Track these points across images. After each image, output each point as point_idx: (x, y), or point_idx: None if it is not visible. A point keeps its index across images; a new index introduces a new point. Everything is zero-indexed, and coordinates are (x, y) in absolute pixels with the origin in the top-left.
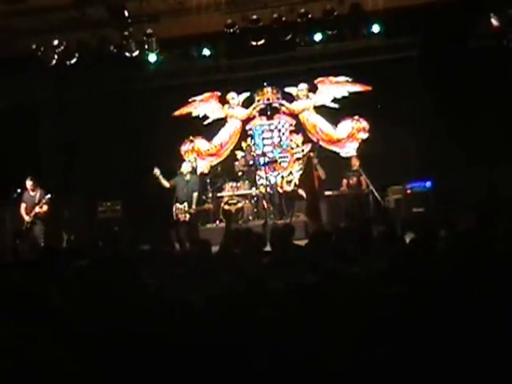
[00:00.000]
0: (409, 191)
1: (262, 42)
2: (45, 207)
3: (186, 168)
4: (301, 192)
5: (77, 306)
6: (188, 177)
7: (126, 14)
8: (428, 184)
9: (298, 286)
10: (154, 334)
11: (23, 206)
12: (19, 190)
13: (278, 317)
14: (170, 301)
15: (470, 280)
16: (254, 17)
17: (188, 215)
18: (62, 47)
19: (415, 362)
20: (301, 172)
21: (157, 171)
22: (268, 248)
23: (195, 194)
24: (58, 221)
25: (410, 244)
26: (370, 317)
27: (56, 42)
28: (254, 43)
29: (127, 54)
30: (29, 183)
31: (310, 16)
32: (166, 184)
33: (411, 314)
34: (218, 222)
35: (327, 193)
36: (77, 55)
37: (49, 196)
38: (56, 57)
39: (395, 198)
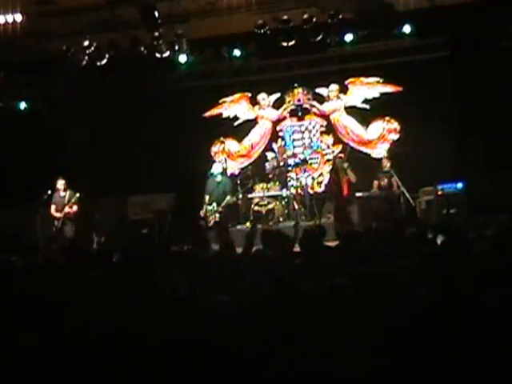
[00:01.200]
0: (440, 192)
1: (293, 42)
2: (75, 207)
3: (216, 169)
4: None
5: (105, 310)
6: (219, 178)
7: (157, 14)
8: (459, 185)
9: (328, 288)
10: (183, 337)
11: (53, 207)
12: (49, 192)
13: (308, 319)
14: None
15: (502, 285)
16: (285, 17)
17: (218, 215)
18: (93, 48)
19: (441, 369)
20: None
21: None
22: (297, 249)
23: (228, 197)
24: (88, 222)
25: (442, 246)
26: (399, 321)
27: (87, 43)
28: (284, 44)
29: (158, 54)
30: (60, 182)
31: (340, 16)
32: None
33: (441, 320)
34: (248, 223)
35: (358, 194)
36: (107, 56)
37: (78, 195)
38: (86, 58)
39: (426, 199)
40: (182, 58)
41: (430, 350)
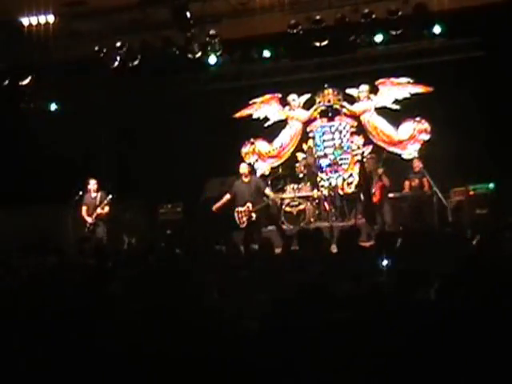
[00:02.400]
0: (471, 193)
1: (326, 42)
2: (106, 208)
3: (243, 170)
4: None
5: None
6: (247, 178)
7: (189, 15)
8: (491, 185)
9: (365, 287)
10: (220, 337)
11: (84, 208)
12: (81, 193)
13: (347, 319)
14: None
15: None
16: (318, 17)
17: (253, 215)
18: (125, 49)
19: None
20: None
21: (216, 206)
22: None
23: (264, 198)
24: (119, 223)
25: (478, 246)
26: (439, 321)
27: (119, 44)
28: (317, 44)
29: (190, 55)
30: (92, 183)
31: (373, 16)
32: (227, 196)
33: (480, 321)
34: (279, 223)
35: (390, 195)
36: (139, 57)
37: (110, 197)
38: (119, 59)
39: (458, 199)
40: (212, 59)
41: (469, 348)
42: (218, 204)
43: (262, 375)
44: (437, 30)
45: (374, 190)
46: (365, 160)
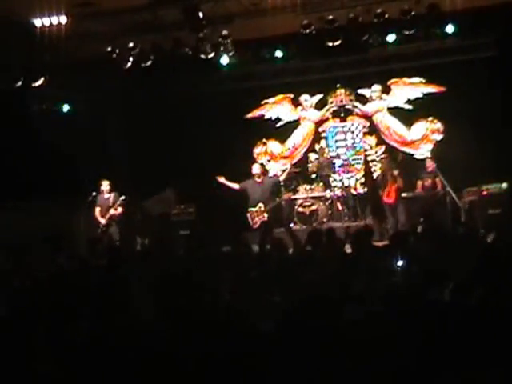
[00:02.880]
0: (484, 192)
1: (338, 42)
2: (119, 209)
3: (256, 170)
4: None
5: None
6: (260, 179)
7: (201, 15)
8: (504, 185)
9: (379, 287)
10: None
11: (98, 209)
12: (94, 194)
13: (363, 318)
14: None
15: None
16: (330, 17)
17: (266, 214)
18: (137, 50)
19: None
20: (376, 174)
21: (221, 179)
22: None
23: (276, 198)
24: (132, 224)
25: (492, 245)
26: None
27: (131, 45)
28: (330, 44)
29: (202, 56)
30: (105, 184)
31: (386, 16)
32: (235, 186)
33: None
34: (292, 224)
35: (403, 195)
36: (152, 58)
37: (123, 198)
38: (131, 59)
39: (470, 199)
40: (225, 60)
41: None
42: (225, 181)
43: (279, 375)
44: (449, 29)
45: (388, 191)
46: (378, 160)
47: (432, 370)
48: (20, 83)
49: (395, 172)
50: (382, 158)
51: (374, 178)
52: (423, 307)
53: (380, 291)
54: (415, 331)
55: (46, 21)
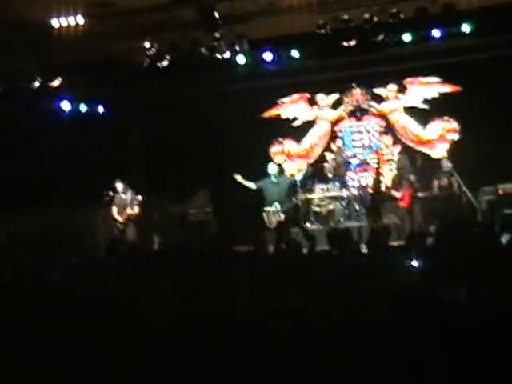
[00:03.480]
0: (501, 192)
1: (354, 42)
2: (136, 209)
3: (272, 169)
4: (394, 193)
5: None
6: (276, 178)
7: (217, 15)
8: None
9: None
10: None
11: (115, 209)
12: (111, 194)
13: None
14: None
15: None
16: (346, 17)
17: (282, 214)
18: (154, 50)
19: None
20: (392, 173)
21: (238, 177)
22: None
23: (292, 197)
24: (149, 224)
25: (507, 246)
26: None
27: (148, 45)
28: (345, 44)
29: (218, 55)
30: (119, 186)
31: (401, 16)
32: (252, 185)
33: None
34: (308, 224)
35: (419, 195)
36: (168, 57)
37: (139, 197)
38: (148, 59)
39: (487, 199)
40: (241, 59)
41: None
42: (241, 180)
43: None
44: (465, 28)
45: (403, 195)
46: (395, 160)
47: (448, 369)
48: (37, 83)
49: (412, 177)
50: (399, 159)
51: (388, 177)
52: (438, 307)
53: (395, 291)
54: (431, 331)
55: (63, 21)
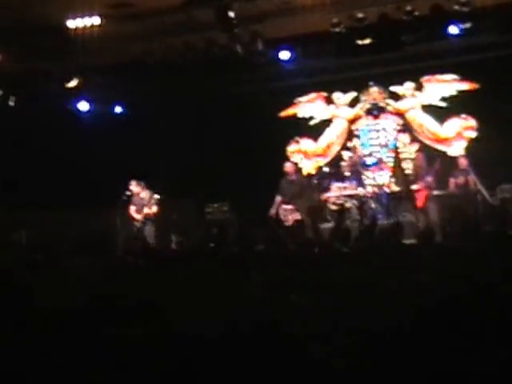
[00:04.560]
0: None
1: (368, 41)
2: (154, 208)
3: (288, 168)
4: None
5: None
6: (293, 176)
7: (232, 15)
8: None
9: (412, 286)
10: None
11: (133, 208)
12: (128, 193)
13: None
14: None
15: None
16: (360, 15)
17: (298, 213)
18: (170, 50)
19: None
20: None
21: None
22: None
23: (308, 196)
24: (167, 222)
25: None
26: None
27: (164, 46)
28: (359, 42)
29: (234, 55)
30: (134, 188)
31: (416, 13)
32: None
33: None
34: (325, 222)
35: (436, 193)
36: (184, 57)
37: (157, 196)
38: (164, 59)
39: (504, 196)
40: (257, 59)
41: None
42: (274, 210)
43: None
44: (484, 25)
45: (418, 195)
46: (412, 158)
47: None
48: (55, 84)
49: (429, 178)
50: (415, 158)
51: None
52: (450, 304)
53: (408, 288)
54: (441, 328)
55: (80, 22)
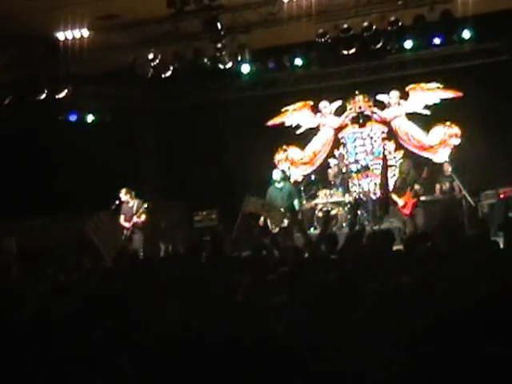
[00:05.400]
0: (502, 195)
1: (353, 50)
2: (143, 217)
3: (277, 176)
4: (396, 199)
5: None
6: (281, 184)
7: (219, 26)
8: None
9: (393, 288)
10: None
11: (122, 216)
12: (117, 202)
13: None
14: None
15: None
16: (345, 26)
17: (286, 220)
18: (158, 60)
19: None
20: (395, 179)
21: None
22: None
23: (295, 202)
24: (155, 231)
25: (504, 248)
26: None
27: (151, 56)
28: (345, 52)
29: (221, 65)
30: (124, 197)
31: (400, 24)
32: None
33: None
34: (312, 229)
35: (421, 198)
36: (172, 68)
37: (146, 205)
38: (152, 70)
39: (489, 202)
40: (245, 68)
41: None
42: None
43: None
44: (465, 34)
45: (405, 202)
46: (399, 166)
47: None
48: (44, 95)
49: (417, 187)
50: (401, 164)
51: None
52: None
53: (391, 292)
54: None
55: (69, 34)
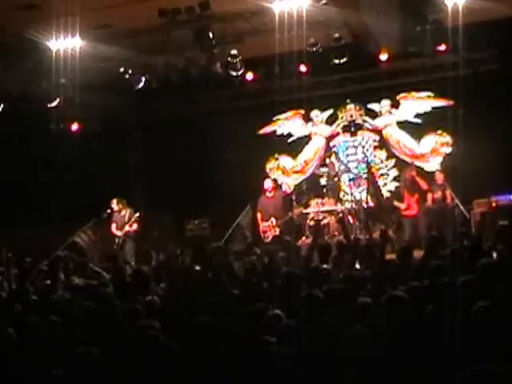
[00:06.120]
0: (494, 204)
1: (345, 59)
2: (135, 226)
3: (267, 185)
4: (397, 204)
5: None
6: (271, 193)
7: (211, 35)
8: None
9: (386, 301)
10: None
11: (114, 225)
12: (109, 211)
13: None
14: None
15: None
16: (336, 35)
17: (277, 229)
18: (149, 70)
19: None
20: (387, 187)
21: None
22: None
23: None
24: (147, 240)
25: (497, 258)
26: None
27: (143, 66)
28: (336, 61)
29: (212, 75)
30: (115, 207)
31: None
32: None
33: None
34: (304, 237)
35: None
36: (163, 77)
37: (137, 214)
38: (143, 79)
39: (480, 211)
40: (235, 78)
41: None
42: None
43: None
44: (455, 44)
45: (408, 204)
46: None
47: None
48: (36, 104)
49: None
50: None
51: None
52: (427, 319)
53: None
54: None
55: (61, 44)
